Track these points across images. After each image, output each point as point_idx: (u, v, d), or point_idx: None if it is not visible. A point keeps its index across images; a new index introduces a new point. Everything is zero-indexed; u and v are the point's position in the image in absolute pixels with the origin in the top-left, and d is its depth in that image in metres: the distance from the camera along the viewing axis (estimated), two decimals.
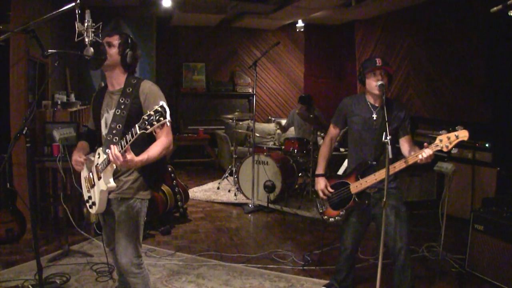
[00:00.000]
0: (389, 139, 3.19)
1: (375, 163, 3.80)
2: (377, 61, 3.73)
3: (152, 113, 2.56)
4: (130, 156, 2.76)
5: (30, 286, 4.09)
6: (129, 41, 3.16)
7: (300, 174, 7.98)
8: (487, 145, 6.12)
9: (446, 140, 3.32)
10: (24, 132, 2.84)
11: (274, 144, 9.72)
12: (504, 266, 4.19)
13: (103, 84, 3.43)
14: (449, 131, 3.35)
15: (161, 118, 2.54)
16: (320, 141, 7.85)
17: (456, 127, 3.34)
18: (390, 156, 3.19)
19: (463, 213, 6.13)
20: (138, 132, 2.61)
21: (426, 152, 3.42)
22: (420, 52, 8.68)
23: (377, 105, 3.86)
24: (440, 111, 8.17)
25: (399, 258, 3.77)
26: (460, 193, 6.28)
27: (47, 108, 6.19)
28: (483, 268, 4.41)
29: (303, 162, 8.01)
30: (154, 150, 2.96)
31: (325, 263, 4.97)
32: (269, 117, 11.78)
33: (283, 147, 8.01)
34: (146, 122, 2.56)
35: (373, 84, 3.74)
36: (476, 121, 7.19)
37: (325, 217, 4.09)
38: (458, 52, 7.67)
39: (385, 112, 3.41)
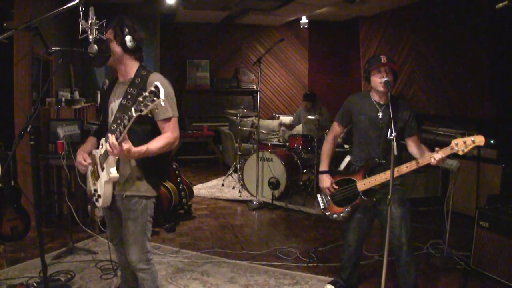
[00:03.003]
0: (394, 135, 3.19)
1: (383, 161, 3.79)
2: (382, 58, 3.72)
3: (147, 94, 2.50)
4: (127, 145, 2.72)
5: (34, 283, 4.09)
6: (124, 29, 3.07)
7: (304, 171, 7.96)
8: (492, 142, 6.10)
9: (462, 144, 3.38)
10: (28, 129, 2.83)
11: (279, 141, 9.71)
12: (509, 263, 4.18)
13: (107, 82, 3.41)
14: (463, 136, 3.41)
15: (155, 98, 2.47)
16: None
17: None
18: (396, 153, 3.19)
19: (468, 210, 6.11)
20: (134, 115, 2.55)
21: (438, 156, 3.48)
22: (425, 48, 8.65)
23: (382, 102, 3.85)
24: (444, 107, 8.14)
25: (402, 254, 3.79)
26: (465, 190, 6.26)
27: (51, 106, 6.19)
28: (488, 265, 4.40)
29: (308, 158, 8.00)
30: (155, 143, 2.92)
31: (330, 260, 4.96)
32: (274, 114, 11.78)
33: (287, 144, 8.01)
34: (141, 104, 2.50)
35: (378, 81, 3.73)
36: (481, 118, 7.16)
37: (328, 213, 4.07)
38: (462, 49, 7.63)
39: (390, 109, 3.39)
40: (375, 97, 3.89)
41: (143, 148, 2.85)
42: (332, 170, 4.11)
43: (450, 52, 7.93)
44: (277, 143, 8.86)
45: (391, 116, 3.31)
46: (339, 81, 12.23)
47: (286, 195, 7.38)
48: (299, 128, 8.90)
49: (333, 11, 10.15)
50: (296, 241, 5.61)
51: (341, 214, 3.98)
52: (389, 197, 3.27)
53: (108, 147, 2.70)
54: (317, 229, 6.11)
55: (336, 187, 3.99)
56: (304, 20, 10.65)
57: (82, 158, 3.21)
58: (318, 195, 4.15)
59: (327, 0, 8.80)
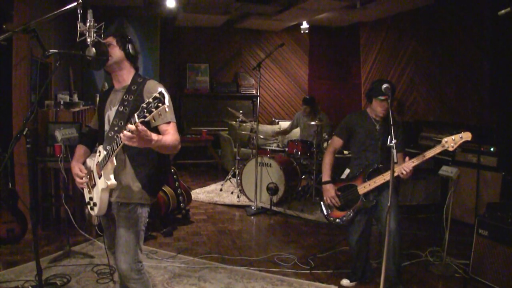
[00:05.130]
0: (394, 142, 3.26)
1: (381, 165, 4.09)
2: (386, 89, 3.75)
3: (150, 100, 2.43)
4: (141, 126, 2.50)
5: (30, 287, 4.06)
6: (125, 36, 3.15)
7: (303, 176, 7.94)
8: (492, 149, 6.08)
9: (451, 141, 3.68)
10: (24, 132, 2.80)
11: (278, 146, 9.67)
12: (508, 272, 4.15)
13: (106, 85, 3.39)
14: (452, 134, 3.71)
15: (160, 104, 2.40)
16: (325, 144, 7.82)
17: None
18: (396, 160, 3.28)
19: (468, 217, 6.09)
20: (137, 121, 2.47)
21: (406, 170, 3.87)
22: (425, 55, 8.65)
23: (378, 119, 4.23)
24: (444, 114, 8.13)
25: (390, 237, 3.86)
26: (464, 198, 6.23)
27: (50, 108, 6.17)
28: (487, 273, 4.37)
29: (307, 164, 7.98)
30: (167, 138, 2.84)
31: (329, 267, 4.94)
32: (273, 119, 11.76)
33: (286, 149, 7.99)
34: (145, 110, 2.43)
35: (379, 110, 4.15)
36: (481, 125, 7.14)
37: (331, 218, 4.35)
38: (463, 55, 7.63)
39: (390, 116, 3.49)
40: (372, 114, 4.27)
41: (160, 137, 2.74)
42: (334, 178, 4.38)
43: (451, 58, 7.93)
44: (276, 148, 8.83)
45: (391, 123, 3.46)
46: (339, 86, 12.24)
47: (285, 200, 7.35)
48: (297, 133, 8.86)
49: (334, 17, 10.16)
50: (294, 247, 5.58)
51: (343, 218, 4.26)
52: (389, 204, 3.36)
53: (128, 134, 2.50)
54: (316, 235, 6.08)
55: (338, 193, 4.27)
56: (304, 25, 10.65)
57: (78, 170, 3.17)
58: (322, 203, 4.42)
59: (328, 5, 8.80)
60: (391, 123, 3.44)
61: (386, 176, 3.96)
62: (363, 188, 4.12)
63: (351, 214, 4.21)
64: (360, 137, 4.28)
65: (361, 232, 4.33)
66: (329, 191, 4.30)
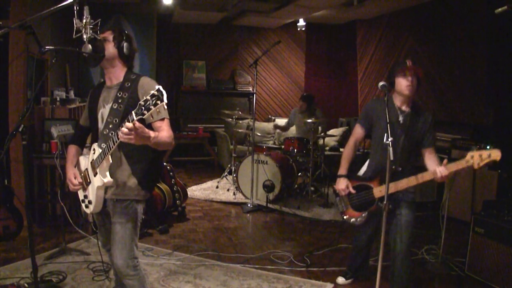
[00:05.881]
0: (391, 140, 3.22)
1: (400, 168, 3.80)
2: (408, 62, 3.72)
3: (148, 97, 2.41)
4: (138, 124, 2.52)
5: (25, 284, 4.05)
6: (123, 34, 3.11)
7: (299, 174, 7.94)
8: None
9: (477, 158, 3.32)
10: (20, 129, 2.79)
11: (274, 143, 9.67)
12: (504, 270, 4.16)
13: (102, 81, 3.37)
14: (479, 149, 3.36)
15: (158, 102, 2.38)
16: (321, 141, 7.82)
17: (487, 147, 3.38)
18: (391, 158, 3.20)
19: (464, 215, 6.10)
20: (135, 118, 2.46)
21: (444, 172, 3.53)
22: (422, 52, 8.65)
23: (403, 108, 3.83)
24: (441, 112, 8.13)
25: (397, 261, 3.84)
26: (460, 195, 6.24)
27: (46, 105, 6.15)
28: (483, 271, 4.38)
29: (303, 162, 7.98)
30: (162, 134, 2.83)
31: (325, 265, 4.94)
32: (269, 116, 11.75)
33: (282, 146, 7.98)
34: (143, 108, 2.41)
35: (404, 84, 3.72)
36: (478, 123, 7.15)
37: (346, 216, 4.12)
38: (459, 53, 7.63)
39: (387, 113, 3.39)
40: (397, 102, 3.86)
41: (156, 133, 2.76)
42: (351, 175, 4.12)
43: (447, 56, 7.93)
44: (272, 145, 8.83)
45: (387, 121, 3.32)
46: (335, 84, 12.25)
47: (281, 198, 7.35)
48: (293, 130, 8.85)
49: (331, 14, 10.15)
50: (290, 245, 5.59)
51: (358, 219, 4.04)
52: (385, 202, 3.30)
53: (126, 131, 2.50)
54: (311, 232, 6.08)
55: (353, 191, 4.01)
56: (301, 22, 10.64)
57: (72, 176, 3.18)
58: (337, 198, 4.18)
59: (325, 3, 8.79)
60: (388, 121, 3.32)
61: (403, 183, 3.69)
62: (379, 191, 3.83)
63: (366, 216, 4.00)
64: (380, 132, 3.88)
65: (370, 234, 4.27)
66: (340, 183, 4.02)
